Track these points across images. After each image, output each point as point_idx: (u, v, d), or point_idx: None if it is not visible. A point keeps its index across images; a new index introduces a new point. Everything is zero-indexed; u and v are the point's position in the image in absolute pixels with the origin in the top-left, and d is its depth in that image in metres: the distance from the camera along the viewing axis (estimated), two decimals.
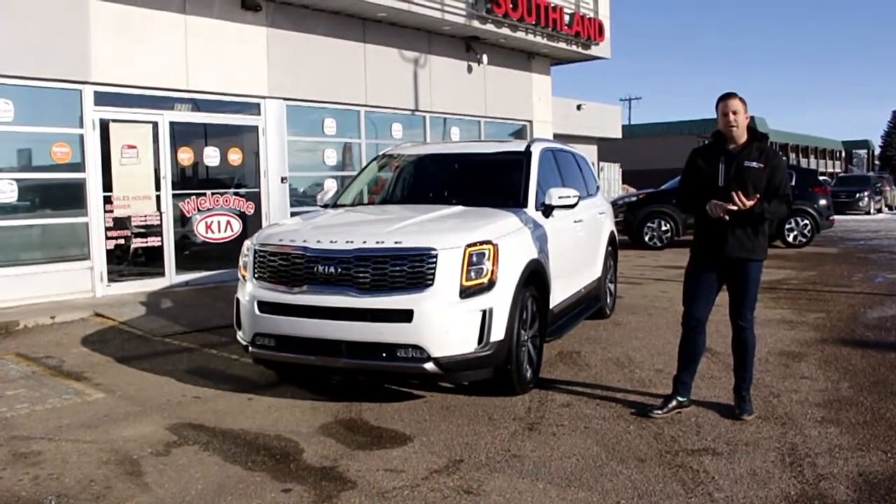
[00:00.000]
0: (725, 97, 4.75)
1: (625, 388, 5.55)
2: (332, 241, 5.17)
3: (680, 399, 4.94)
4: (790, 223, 15.82)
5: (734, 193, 4.56)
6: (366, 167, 7.70)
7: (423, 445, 4.47)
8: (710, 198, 4.69)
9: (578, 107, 22.42)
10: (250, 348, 5.45)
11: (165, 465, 4.21)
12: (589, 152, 20.27)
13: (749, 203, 4.56)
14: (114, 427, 4.90)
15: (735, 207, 4.57)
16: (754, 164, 4.69)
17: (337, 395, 5.50)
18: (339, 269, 5.03)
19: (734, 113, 4.69)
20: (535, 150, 6.70)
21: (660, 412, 4.86)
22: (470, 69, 15.19)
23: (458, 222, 5.59)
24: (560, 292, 6.34)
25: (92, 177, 9.50)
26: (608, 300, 8.34)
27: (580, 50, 16.62)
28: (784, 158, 5.28)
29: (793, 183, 15.74)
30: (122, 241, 9.86)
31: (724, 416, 4.84)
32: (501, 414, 5.01)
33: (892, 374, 5.78)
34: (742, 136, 4.76)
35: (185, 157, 10.55)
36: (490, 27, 14.19)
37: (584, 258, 7.44)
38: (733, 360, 5.00)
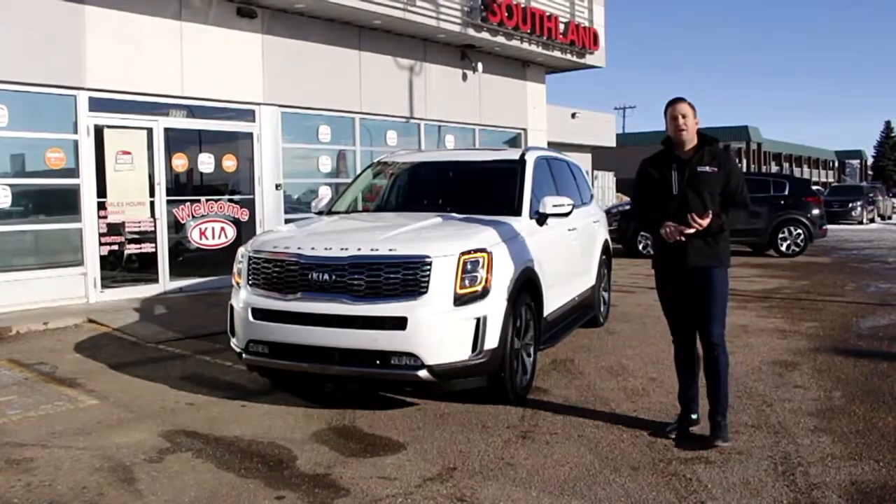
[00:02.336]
0: (674, 102, 4.62)
1: (618, 397, 5.56)
2: (326, 249, 5.18)
3: (692, 417, 4.77)
4: (783, 232, 15.90)
5: (689, 216, 4.39)
6: (360, 174, 7.71)
7: (416, 453, 4.47)
8: (666, 208, 4.54)
9: (573, 115, 22.46)
10: (244, 355, 5.45)
11: (158, 472, 4.20)
12: (583, 161, 20.34)
13: (704, 222, 4.38)
14: (107, 434, 4.88)
15: (692, 230, 4.40)
16: (707, 168, 4.54)
17: (330, 403, 5.49)
18: (334, 277, 5.03)
19: (683, 117, 4.54)
20: (530, 159, 6.72)
21: (677, 434, 4.67)
22: (465, 77, 15.25)
23: (453, 230, 5.59)
24: (554, 300, 6.35)
25: (86, 183, 9.50)
26: (602, 308, 8.36)
27: (575, 59, 16.69)
28: (739, 162, 5.14)
29: (786, 192, 16.07)
30: (115, 248, 9.86)
31: None
32: (495, 422, 5.01)
33: (884, 384, 5.81)
34: (692, 140, 4.61)
35: (180, 163, 10.55)
36: (485, 35, 14.25)
37: (578, 266, 7.46)
38: (706, 384, 4.61)
